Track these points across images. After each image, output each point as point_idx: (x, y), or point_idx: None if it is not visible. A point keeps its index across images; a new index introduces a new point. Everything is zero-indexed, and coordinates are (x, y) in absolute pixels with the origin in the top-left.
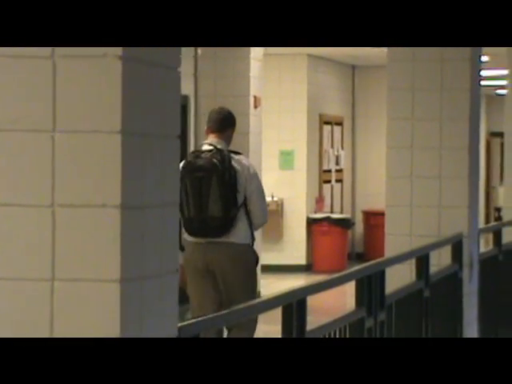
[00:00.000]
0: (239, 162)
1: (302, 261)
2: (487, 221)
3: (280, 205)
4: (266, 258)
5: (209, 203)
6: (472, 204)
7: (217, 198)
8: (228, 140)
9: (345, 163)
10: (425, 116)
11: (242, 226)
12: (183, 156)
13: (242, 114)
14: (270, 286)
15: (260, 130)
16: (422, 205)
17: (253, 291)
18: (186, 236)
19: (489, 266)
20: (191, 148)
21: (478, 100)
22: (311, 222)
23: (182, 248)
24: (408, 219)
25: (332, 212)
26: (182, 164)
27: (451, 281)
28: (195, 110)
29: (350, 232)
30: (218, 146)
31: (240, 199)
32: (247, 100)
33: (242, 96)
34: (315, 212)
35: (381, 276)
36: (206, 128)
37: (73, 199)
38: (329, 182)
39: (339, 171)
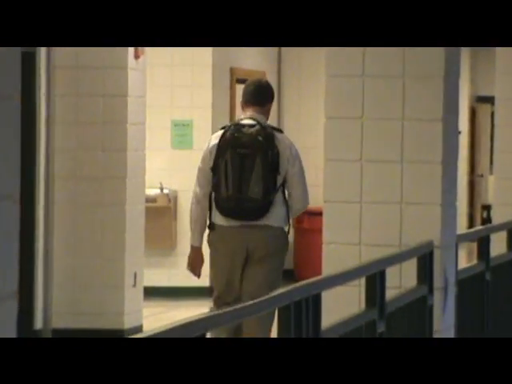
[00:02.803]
0: (281, 140)
1: (205, 281)
2: (470, 224)
3: (172, 200)
4: (153, 277)
5: (250, 184)
6: (447, 200)
7: (259, 178)
8: (267, 115)
9: None
10: (381, 72)
11: (279, 209)
12: (30, 125)
13: (116, 67)
14: (157, 318)
15: (143, 91)
16: (377, 201)
17: (277, 278)
18: (216, 219)
19: (471, 288)
20: (42, 114)
21: (457, 51)
22: None
23: (211, 227)
24: (356, 221)
25: None
26: (218, 135)
27: (417, 310)
28: (47, 61)
29: None
30: (261, 122)
31: (279, 181)
32: (124, 48)
33: None
34: None
35: (315, 303)
36: (242, 101)
37: None
38: None
39: None
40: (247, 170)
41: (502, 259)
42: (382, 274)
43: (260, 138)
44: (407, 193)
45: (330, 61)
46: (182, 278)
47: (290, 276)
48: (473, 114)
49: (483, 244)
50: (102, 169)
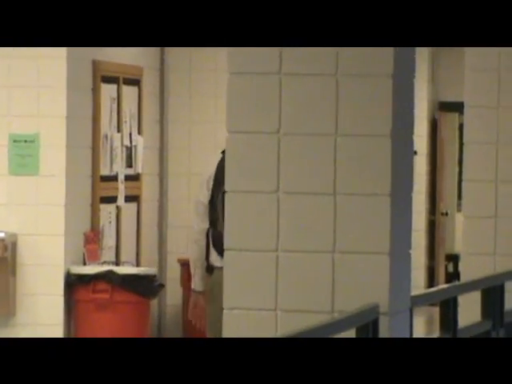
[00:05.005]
0: None
1: None
2: (430, 281)
3: (10, 248)
4: None
5: None
6: (398, 248)
7: None
8: None
9: (146, 163)
10: (304, 69)
11: None
12: None
13: None
14: None
15: None
16: (300, 249)
17: None
18: (213, 259)
19: None
20: None
21: None
22: (75, 283)
23: (210, 269)
24: (271, 278)
25: (119, 262)
26: (216, 161)
27: None
28: None
29: (154, 302)
30: None
31: None
32: None
33: None
34: (84, 263)
35: None
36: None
37: None
38: (112, 200)
39: (134, 179)
40: None
41: (475, 331)
42: None
43: None
44: (342, 237)
45: (234, 53)
46: None
47: None
48: (434, 128)
49: (448, 309)
50: None
